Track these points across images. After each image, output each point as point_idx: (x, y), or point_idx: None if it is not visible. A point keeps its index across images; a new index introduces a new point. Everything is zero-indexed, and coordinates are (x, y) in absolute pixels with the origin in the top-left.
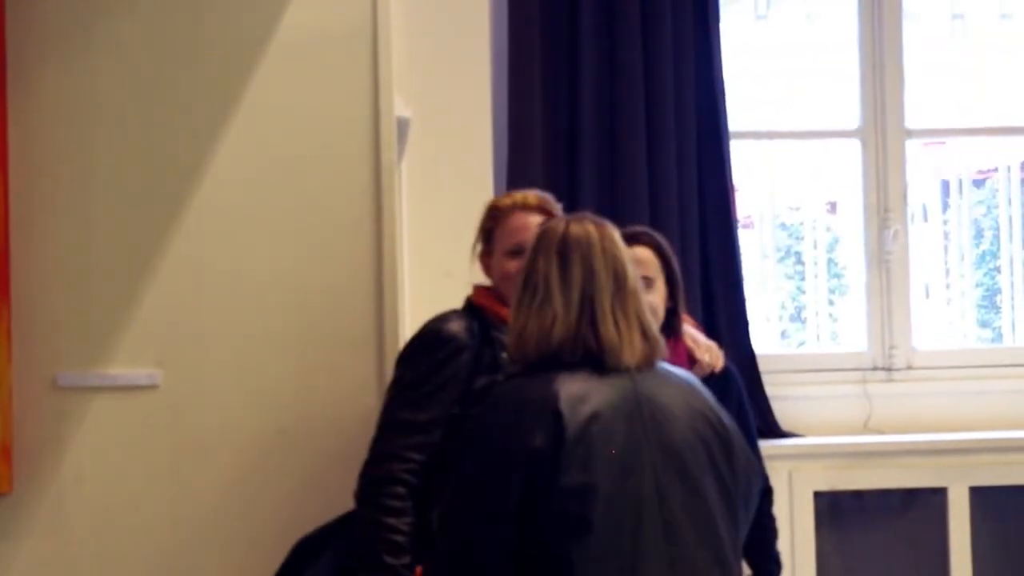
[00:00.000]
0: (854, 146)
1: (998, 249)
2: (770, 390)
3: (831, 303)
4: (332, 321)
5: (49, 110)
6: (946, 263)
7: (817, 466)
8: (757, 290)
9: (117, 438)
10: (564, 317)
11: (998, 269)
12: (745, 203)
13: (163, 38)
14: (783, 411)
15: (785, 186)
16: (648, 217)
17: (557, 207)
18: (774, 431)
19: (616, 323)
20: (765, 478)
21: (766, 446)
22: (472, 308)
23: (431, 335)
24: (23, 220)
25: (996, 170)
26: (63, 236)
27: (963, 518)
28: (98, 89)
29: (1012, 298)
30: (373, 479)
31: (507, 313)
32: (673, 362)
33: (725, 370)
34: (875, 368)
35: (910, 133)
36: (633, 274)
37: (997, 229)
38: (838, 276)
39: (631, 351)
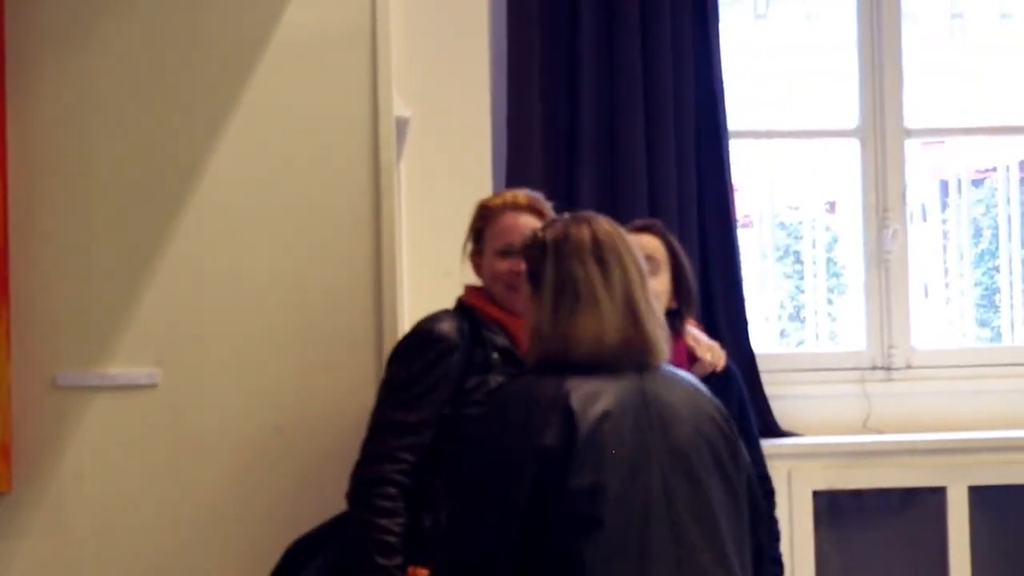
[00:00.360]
0: (853, 145)
1: (997, 248)
2: (769, 389)
3: (830, 302)
4: (331, 320)
5: (48, 109)
6: (945, 262)
7: (816, 465)
8: (756, 289)
9: (116, 437)
10: (612, 319)
11: (997, 268)
12: (744, 202)
13: (162, 38)
14: (782, 410)
15: (784, 185)
16: (647, 216)
17: (547, 206)
18: (773, 430)
19: (655, 321)
20: (767, 479)
21: (765, 445)
22: (463, 308)
23: (422, 335)
24: (23, 219)
25: (995, 169)
26: (63, 235)
27: (962, 517)
28: (97, 89)
29: (1011, 297)
30: (365, 480)
31: (498, 313)
32: (673, 361)
33: (726, 369)
34: (874, 367)
35: (909, 133)
36: (645, 267)
37: (996, 228)
38: (837, 275)
39: (664, 347)
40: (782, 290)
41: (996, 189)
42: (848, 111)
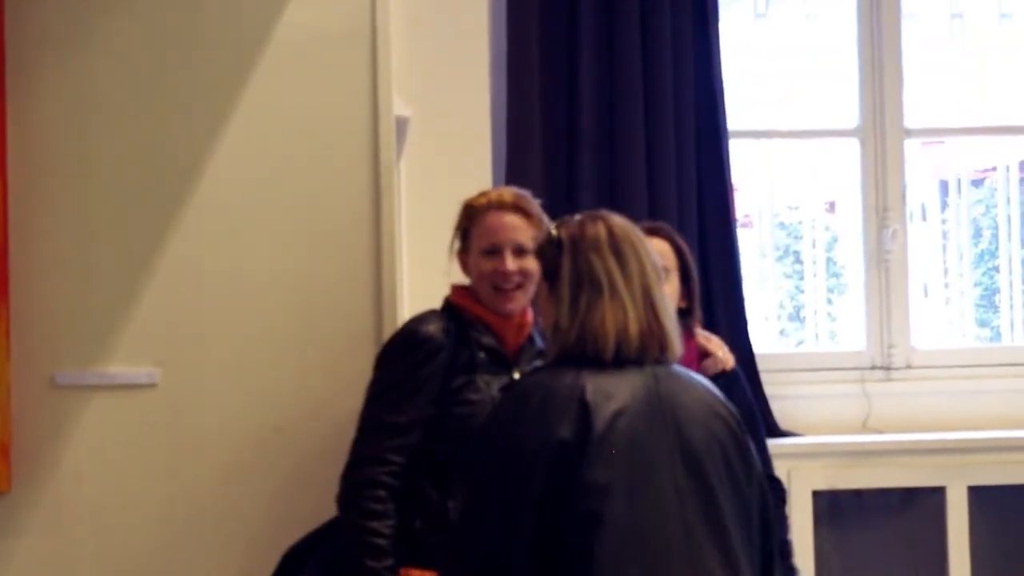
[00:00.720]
0: (853, 145)
1: (997, 248)
2: (769, 389)
3: (830, 302)
4: (331, 320)
5: (48, 109)
6: (945, 262)
7: (816, 465)
8: (756, 289)
9: (116, 437)
10: (635, 311)
11: (997, 268)
12: (744, 202)
13: (162, 37)
14: (782, 410)
15: (784, 185)
16: (647, 216)
17: (534, 205)
18: (773, 430)
19: (671, 316)
20: (777, 481)
21: None
22: (450, 307)
23: (408, 336)
24: (22, 219)
25: (995, 169)
26: (62, 235)
27: (962, 517)
28: (97, 88)
29: (1011, 297)
30: (354, 483)
31: (484, 312)
32: (682, 361)
33: (732, 372)
34: (874, 367)
35: (909, 132)
36: (660, 264)
37: (996, 228)
38: (837, 275)
39: (679, 341)
40: (782, 290)
41: (996, 189)
42: (848, 111)
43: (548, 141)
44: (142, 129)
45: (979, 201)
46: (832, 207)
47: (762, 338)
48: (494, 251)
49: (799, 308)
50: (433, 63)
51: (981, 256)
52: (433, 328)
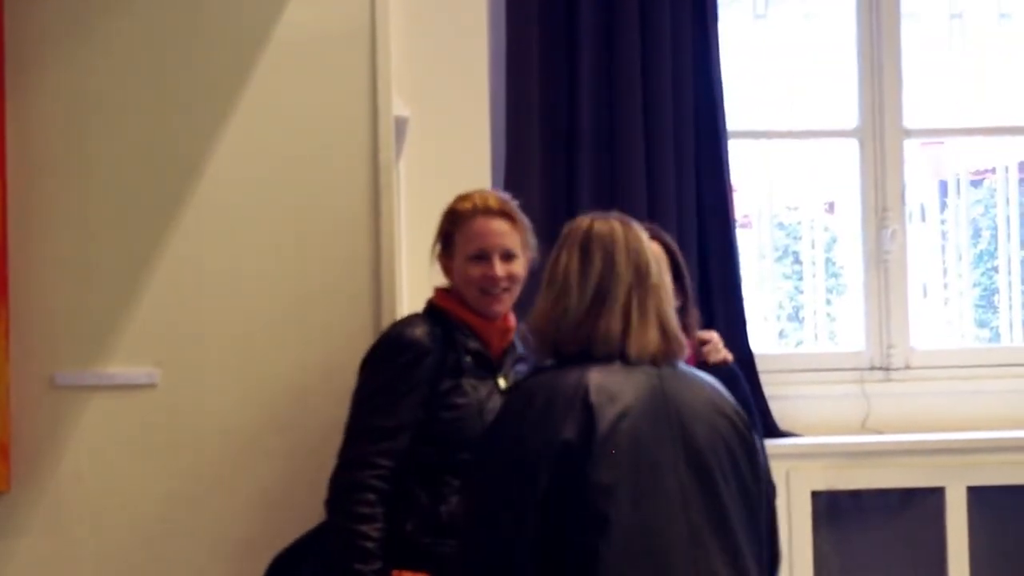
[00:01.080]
0: (852, 146)
1: (996, 249)
2: (768, 390)
3: (829, 303)
4: (330, 320)
5: (47, 108)
6: (944, 263)
7: (815, 466)
8: (755, 290)
9: (115, 437)
10: (575, 309)
11: (996, 269)
12: (743, 203)
13: (161, 37)
14: (781, 411)
15: (783, 186)
16: (646, 216)
17: (518, 210)
18: (772, 431)
19: (627, 316)
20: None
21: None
22: (434, 310)
23: (392, 341)
24: (21, 219)
25: (994, 170)
26: (61, 235)
27: (961, 518)
28: (96, 88)
29: (1010, 298)
30: (343, 486)
31: (470, 316)
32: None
33: (730, 371)
34: (873, 368)
35: (908, 133)
36: (657, 271)
37: (995, 229)
38: (836, 276)
39: (639, 345)
40: (781, 290)
41: (995, 189)
42: (847, 111)
43: (547, 141)
44: (141, 129)
45: (978, 201)
46: (831, 207)
47: (761, 339)
48: (482, 256)
49: (798, 309)
50: (432, 63)
51: (980, 257)
52: (419, 332)
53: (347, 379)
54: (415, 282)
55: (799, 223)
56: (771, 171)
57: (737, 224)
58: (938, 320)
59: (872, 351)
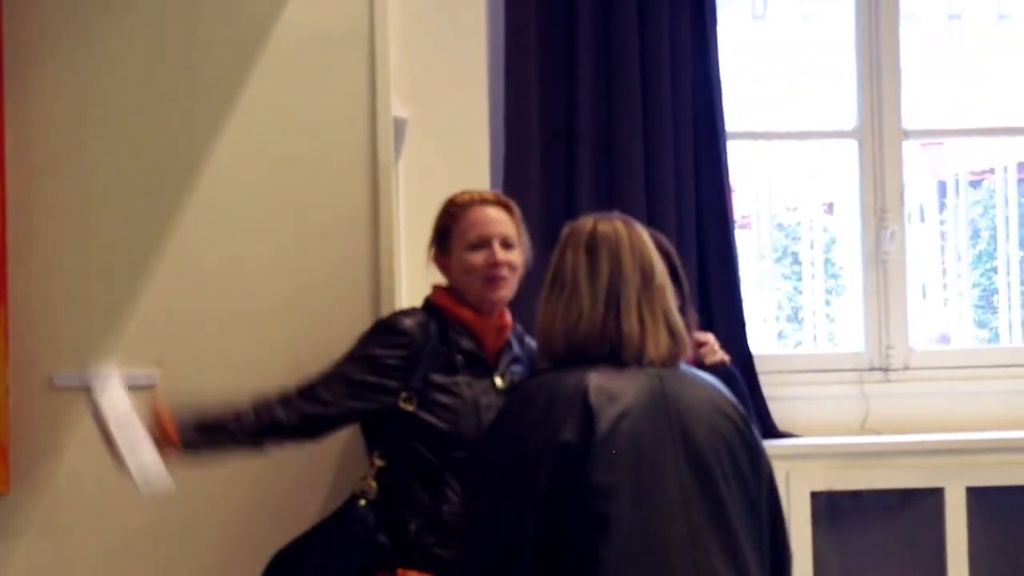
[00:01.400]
0: (851, 146)
1: (995, 249)
2: (767, 390)
3: (828, 303)
4: (329, 321)
5: (47, 109)
6: (943, 263)
7: (814, 466)
8: (754, 290)
9: None
10: (590, 311)
11: (995, 269)
12: (742, 203)
13: (161, 37)
14: (780, 411)
15: (782, 186)
16: (645, 217)
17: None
18: (771, 431)
19: (641, 318)
20: None
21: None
22: (431, 308)
23: (386, 324)
24: (20, 219)
25: (993, 171)
26: (60, 235)
27: (960, 518)
28: (95, 88)
29: (1009, 298)
30: (303, 413)
31: (466, 314)
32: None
33: (728, 371)
34: (872, 368)
35: (907, 133)
36: (661, 272)
37: (994, 229)
38: (835, 276)
39: (655, 347)
40: (780, 291)
41: (994, 190)
42: (846, 112)
43: (546, 142)
44: (141, 129)
45: (977, 202)
46: (830, 208)
47: (760, 339)
48: (482, 244)
49: (797, 309)
50: (431, 63)
51: (979, 257)
52: (412, 322)
53: None
54: (414, 282)
55: (798, 224)
56: (770, 172)
57: (736, 225)
58: (937, 321)
59: (871, 352)
